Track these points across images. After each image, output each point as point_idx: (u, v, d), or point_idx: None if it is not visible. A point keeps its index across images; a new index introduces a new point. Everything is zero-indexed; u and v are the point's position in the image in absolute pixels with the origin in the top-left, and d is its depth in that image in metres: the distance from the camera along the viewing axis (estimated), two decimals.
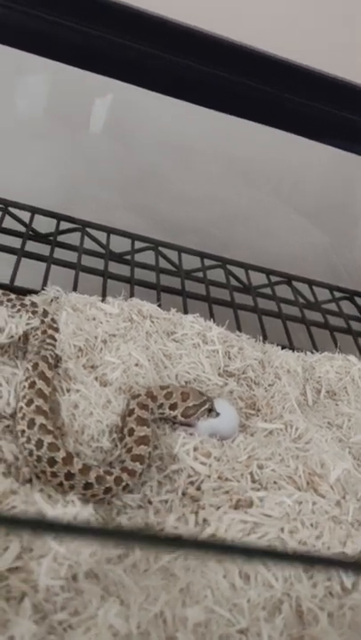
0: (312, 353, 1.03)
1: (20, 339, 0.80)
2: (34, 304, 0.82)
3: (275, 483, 0.70)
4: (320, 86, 0.80)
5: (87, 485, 0.64)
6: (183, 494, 0.70)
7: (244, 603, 0.59)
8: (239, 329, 1.07)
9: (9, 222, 1.20)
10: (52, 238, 1.22)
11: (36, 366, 0.71)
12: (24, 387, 0.70)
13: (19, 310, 0.81)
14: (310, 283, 1.39)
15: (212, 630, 0.56)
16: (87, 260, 1.17)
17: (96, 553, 0.57)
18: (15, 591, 0.54)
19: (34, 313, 0.81)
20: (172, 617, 0.57)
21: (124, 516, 0.66)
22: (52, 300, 0.89)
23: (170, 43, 0.74)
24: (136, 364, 0.79)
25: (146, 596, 0.58)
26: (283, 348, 1.00)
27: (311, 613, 0.60)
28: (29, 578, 0.55)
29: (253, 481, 0.70)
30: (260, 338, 1.00)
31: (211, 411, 0.77)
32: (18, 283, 1.00)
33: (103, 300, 0.91)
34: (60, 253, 1.17)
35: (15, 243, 1.14)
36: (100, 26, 0.68)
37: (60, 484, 0.64)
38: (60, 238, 1.22)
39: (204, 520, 0.66)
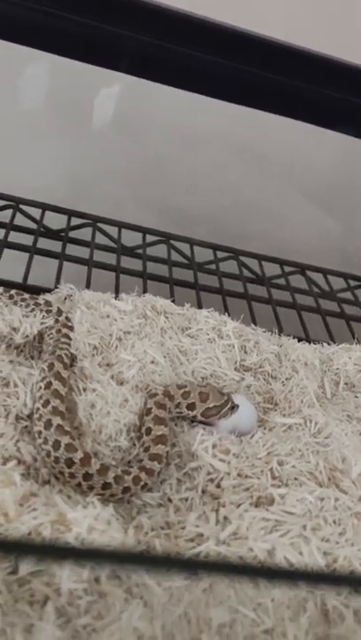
0: (329, 344, 1.02)
1: (34, 338, 0.79)
2: (48, 303, 0.82)
3: (295, 479, 0.69)
4: (330, 72, 0.79)
5: (105, 485, 0.64)
6: (203, 492, 0.69)
7: (269, 602, 0.58)
8: (254, 321, 1.06)
9: (20, 220, 1.19)
10: (63, 234, 1.21)
11: (51, 366, 0.71)
12: (40, 387, 0.69)
13: (33, 310, 0.81)
14: (325, 272, 1.38)
15: (236, 631, 0.55)
16: (99, 256, 1.17)
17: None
18: (38, 595, 0.54)
19: (48, 312, 0.81)
20: (196, 618, 0.56)
21: (145, 515, 0.65)
22: (65, 298, 0.88)
23: (172, 32, 0.72)
24: (152, 362, 0.78)
25: (169, 596, 0.58)
26: (299, 340, 0.98)
27: (336, 611, 0.59)
28: (52, 581, 0.54)
29: (274, 477, 0.69)
30: (276, 331, 0.98)
31: (233, 408, 0.76)
32: (31, 281, 1.00)
33: (117, 297, 0.90)
34: (71, 249, 1.16)
35: (27, 240, 1.14)
36: (99, 16, 0.67)
37: (79, 485, 0.64)
38: (72, 234, 1.22)
39: (225, 518, 0.65)
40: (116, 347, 0.80)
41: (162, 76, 0.76)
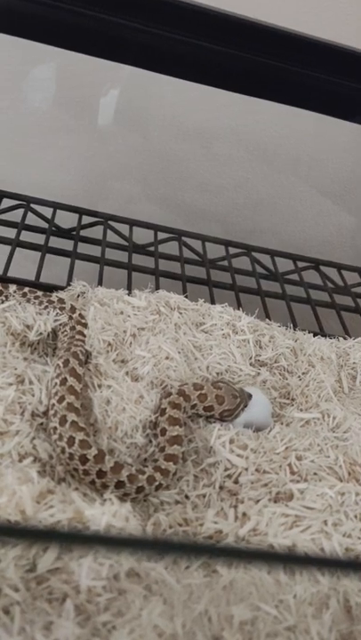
0: (345, 339, 1.01)
1: (48, 335, 0.79)
2: (61, 300, 0.81)
3: (315, 474, 0.68)
4: (344, 62, 0.77)
5: (119, 484, 0.63)
6: (221, 488, 0.68)
7: (291, 599, 0.57)
8: (268, 317, 1.05)
9: (31, 219, 1.19)
10: (74, 233, 1.21)
11: (66, 363, 0.70)
12: (55, 384, 0.69)
13: (46, 307, 0.80)
14: (338, 267, 1.36)
15: (258, 628, 0.54)
16: (111, 254, 1.16)
17: (137, 550, 0.56)
18: (57, 592, 0.53)
19: (61, 309, 0.80)
20: (217, 615, 0.55)
21: (162, 513, 0.64)
22: (78, 296, 0.88)
23: (186, 25, 0.72)
24: (167, 357, 0.77)
25: (189, 594, 0.57)
26: (314, 334, 0.97)
27: (360, 608, 0.58)
28: (70, 579, 0.54)
29: (292, 473, 0.68)
30: (291, 325, 0.97)
31: (246, 406, 0.76)
32: (43, 279, 1.00)
33: (129, 294, 0.89)
34: (83, 248, 1.16)
35: (39, 239, 1.14)
36: (106, 9, 0.66)
37: (93, 482, 0.63)
38: (83, 233, 1.21)
39: (244, 514, 0.64)
40: (131, 343, 0.79)
41: (166, 66, 0.75)
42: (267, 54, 0.75)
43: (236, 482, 0.68)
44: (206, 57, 0.74)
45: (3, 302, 0.79)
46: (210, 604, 0.56)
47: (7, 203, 1.20)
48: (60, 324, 0.79)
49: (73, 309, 0.80)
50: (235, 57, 0.74)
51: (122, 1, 0.68)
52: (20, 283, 0.92)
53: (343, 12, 1.11)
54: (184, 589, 0.57)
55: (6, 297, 0.79)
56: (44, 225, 1.20)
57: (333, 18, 1.09)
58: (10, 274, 0.99)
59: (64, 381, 0.68)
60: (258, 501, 0.65)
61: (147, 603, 0.54)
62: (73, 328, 0.78)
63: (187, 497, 0.67)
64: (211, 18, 0.72)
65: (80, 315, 0.80)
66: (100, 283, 1.00)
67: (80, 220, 1.23)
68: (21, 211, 1.20)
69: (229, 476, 0.69)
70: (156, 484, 0.65)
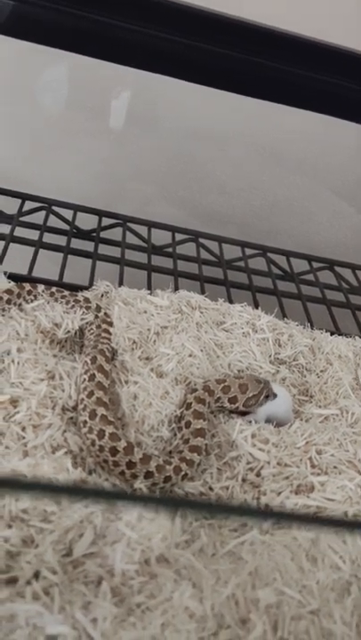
0: None
1: (75, 333, 0.82)
2: (87, 300, 0.84)
3: (335, 467, 0.70)
4: (354, 65, 0.80)
5: (148, 474, 0.66)
6: (243, 480, 0.71)
7: (314, 584, 0.60)
8: (285, 316, 1.07)
9: (53, 221, 1.22)
10: (95, 235, 1.24)
11: (94, 360, 0.73)
12: (84, 379, 0.72)
13: (73, 306, 0.83)
14: (353, 267, 1.38)
15: (284, 611, 0.57)
16: (130, 255, 1.19)
17: (166, 537, 0.59)
18: (92, 576, 0.56)
19: (87, 308, 0.83)
20: (243, 599, 0.58)
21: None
22: (102, 295, 0.91)
23: (201, 31, 0.75)
24: (190, 355, 0.80)
25: (216, 579, 0.60)
26: (331, 334, 1.00)
27: None
28: (105, 563, 0.57)
29: (313, 466, 0.70)
30: (308, 325, 1.00)
31: (269, 396, 0.78)
32: (66, 279, 1.02)
33: (151, 294, 0.92)
34: (103, 249, 1.19)
35: (60, 241, 1.17)
36: (113, 13, 0.69)
37: (122, 473, 0.66)
38: (103, 234, 1.24)
39: (267, 506, 0.67)
40: (155, 341, 0.82)
41: (171, 69, 0.77)
42: (273, 57, 0.77)
43: (258, 475, 0.71)
44: (211, 60, 0.76)
45: (32, 301, 0.82)
46: (237, 589, 0.59)
47: (29, 205, 1.23)
48: (87, 323, 0.82)
49: (98, 308, 0.83)
50: (240, 59, 0.76)
51: (123, 2, 0.70)
52: (45, 282, 0.95)
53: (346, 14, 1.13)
54: (211, 574, 0.60)
55: (35, 296, 0.82)
56: (66, 227, 1.23)
57: (339, 21, 1.12)
58: (34, 274, 1.02)
59: (92, 377, 0.71)
60: (280, 493, 0.68)
61: (177, 586, 0.57)
62: (99, 326, 0.80)
63: (211, 489, 0.70)
64: (214, 21, 0.74)
65: (105, 314, 0.83)
66: (120, 283, 1.03)
67: (100, 221, 1.26)
68: (43, 213, 1.23)
69: (251, 469, 0.71)
70: (182, 473, 0.68)
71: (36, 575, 0.55)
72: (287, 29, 0.76)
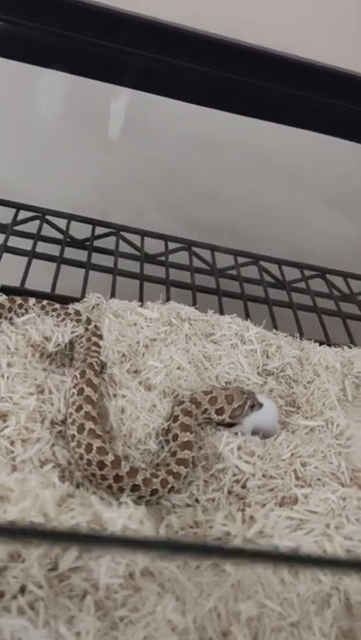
0: (349, 347, 1.04)
1: (66, 346, 0.83)
2: (77, 312, 0.86)
3: (318, 479, 0.72)
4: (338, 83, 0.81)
5: (135, 487, 0.67)
6: (229, 492, 0.72)
7: (294, 597, 0.61)
8: (275, 326, 1.08)
9: (47, 230, 1.24)
10: (88, 244, 1.25)
11: (83, 374, 0.74)
12: (73, 393, 0.73)
13: (63, 319, 0.85)
14: (345, 275, 1.39)
15: (264, 624, 0.58)
16: (123, 263, 1.20)
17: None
18: (77, 589, 0.57)
19: (78, 321, 0.85)
20: (225, 612, 0.59)
21: (174, 515, 0.68)
22: (93, 307, 0.92)
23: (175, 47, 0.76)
24: (178, 368, 0.81)
25: (199, 591, 0.61)
26: (320, 344, 1.01)
27: (360, 606, 0.62)
28: (90, 577, 0.58)
29: (297, 478, 0.72)
30: (297, 335, 1.01)
31: (254, 406, 0.79)
32: (58, 289, 1.04)
33: (142, 305, 0.93)
34: (97, 258, 1.20)
35: (54, 250, 1.18)
36: (96, 32, 0.70)
37: (110, 487, 0.67)
38: (97, 243, 1.26)
39: (251, 517, 0.68)
40: (144, 354, 0.83)
41: (169, 91, 0.79)
42: (264, 78, 0.78)
43: (243, 486, 0.72)
44: (200, 80, 0.78)
45: (23, 315, 0.83)
46: (219, 601, 0.60)
47: (23, 214, 1.24)
48: (77, 336, 0.83)
49: (89, 321, 0.85)
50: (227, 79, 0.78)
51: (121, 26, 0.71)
52: (37, 294, 0.97)
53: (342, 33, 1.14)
54: (195, 587, 0.61)
55: (26, 310, 0.84)
56: (60, 236, 1.24)
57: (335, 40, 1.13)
58: (27, 284, 1.03)
59: (81, 391, 0.72)
60: (264, 505, 0.69)
61: (160, 599, 0.58)
62: (89, 339, 0.82)
63: (197, 500, 0.71)
64: (210, 44, 0.75)
65: (95, 326, 0.84)
66: (113, 293, 1.04)
67: (93, 230, 1.27)
68: (37, 222, 1.24)
69: (237, 481, 0.73)
70: (169, 486, 0.69)
71: (22, 589, 0.56)
72: (281, 50, 0.77)
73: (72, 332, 0.83)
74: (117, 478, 0.67)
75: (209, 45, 0.76)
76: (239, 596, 0.61)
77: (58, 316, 0.85)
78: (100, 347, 0.81)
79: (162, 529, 0.64)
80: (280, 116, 0.83)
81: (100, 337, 0.83)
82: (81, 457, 0.68)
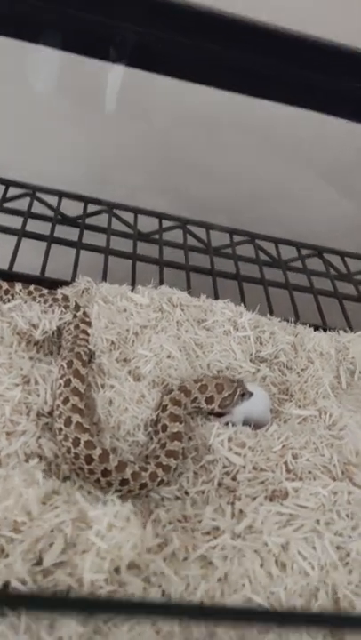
0: (346, 331, 1.02)
1: (53, 334, 0.81)
2: (65, 298, 0.83)
3: (309, 472, 0.71)
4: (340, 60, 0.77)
5: (123, 482, 0.66)
6: (219, 485, 0.71)
7: (281, 591, 0.61)
8: (270, 309, 1.06)
9: (37, 207, 1.20)
10: (80, 221, 1.22)
11: (70, 364, 0.73)
12: (60, 385, 0.71)
13: (51, 305, 0.82)
14: (342, 254, 1.37)
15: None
16: (116, 242, 1.17)
17: (137, 546, 0.60)
18: (62, 585, 0.57)
19: (66, 307, 0.82)
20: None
21: (162, 509, 0.68)
22: (82, 292, 0.90)
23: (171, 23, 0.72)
24: (168, 356, 0.80)
25: (186, 585, 0.61)
26: (316, 328, 0.99)
27: (347, 599, 0.62)
28: (74, 572, 0.57)
29: (288, 471, 0.71)
30: (292, 319, 0.99)
31: (244, 394, 0.78)
32: (49, 271, 1.01)
33: (133, 288, 0.91)
34: (88, 237, 1.17)
35: (44, 228, 1.15)
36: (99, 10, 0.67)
37: (98, 481, 0.66)
38: (89, 221, 1.23)
39: (241, 511, 0.67)
40: (133, 342, 0.81)
41: (163, 68, 0.75)
42: (263, 54, 0.74)
43: (233, 479, 0.71)
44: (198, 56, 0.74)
45: (9, 301, 0.81)
46: (205, 596, 0.60)
47: (13, 191, 1.21)
48: (65, 323, 0.81)
49: (77, 307, 0.83)
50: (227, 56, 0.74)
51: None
52: (26, 277, 0.95)
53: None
54: (181, 581, 0.61)
55: (12, 295, 0.82)
56: (50, 213, 1.21)
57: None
58: (16, 265, 1.01)
59: (68, 382, 0.71)
60: (254, 499, 0.68)
61: (146, 595, 0.57)
62: (77, 327, 0.80)
63: (186, 493, 0.70)
64: (211, 18, 0.72)
65: (84, 313, 0.82)
66: (104, 275, 1.02)
67: (85, 208, 1.24)
68: (27, 199, 1.21)
69: (227, 474, 0.72)
70: (159, 479, 0.68)
71: (6, 585, 0.56)
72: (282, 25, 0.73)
73: (60, 319, 0.81)
74: (106, 472, 0.66)
75: (205, 20, 0.72)
76: (226, 589, 0.61)
77: (45, 301, 0.83)
78: (88, 334, 0.79)
79: (149, 525, 0.63)
80: (280, 94, 0.79)
81: (89, 324, 0.81)
82: (68, 450, 0.67)
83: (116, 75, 1.18)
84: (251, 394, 0.79)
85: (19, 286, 0.82)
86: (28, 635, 0.51)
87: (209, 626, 0.55)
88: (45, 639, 0.50)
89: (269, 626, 0.57)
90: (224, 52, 0.75)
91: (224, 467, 0.72)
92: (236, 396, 0.77)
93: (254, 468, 0.71)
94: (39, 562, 0.58)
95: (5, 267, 0.98)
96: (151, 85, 1.19)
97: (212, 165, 1.34)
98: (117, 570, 0.59)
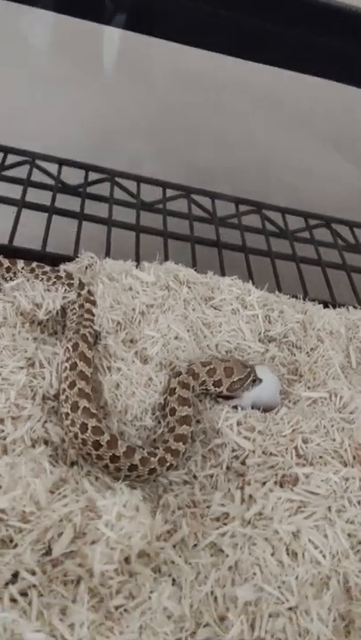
0: (355, 307, 1.00)
1: (57, 313, 0.79)
2: (69, 275, 0.80)
3: (320, 457, 0.69)
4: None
5: (132, 467, 0.65)
6: (228, 469, 0.70)
7: (293, 580, 0.60)
8: (278, 283, 1.04)
9: (37, 176, 1.16)
10: (81, 190, 1.18)
11: (76, 346, 0.70)
12: (65, 368, 0.69)
13: (54, 283, 0.80)
14: (351, 224, 1.33)
15: (262, 609, 0.58)
16: (118, 212, 1.14)
17: (146, 535, 0.59)
18: (71, 575, 0.56)
19: (70, 285, 0.80)
20: (222, 596, 0.58)
21: (171, 494, 0.67)
22: (86, 268, 0.87)
23: None
24: (176, 337, 0.77)
25: (196, 574, 0.60)
26: (325, 304, 0.96)
27: (358, 588, 0.61)
28: (84, 562, 0.57)
29: (298, 456, 0.70)
30: (301, 296, 0.96)
31: (255, 380, 0.76)
32: (50, 244, 0.98)
33: (138, 265, 0.88)
34: (90, 207, 1.13)
35: (45, 199, 1.11)
36: None
37: (106, 467, 0.65)
38: (90, 190, 1.18)
39: (250, 496, 0.67)
40: (140, 322, 0.79)
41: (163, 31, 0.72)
42: (266, 18, 0.70)
43: (243, 463, 0.70)
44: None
45: (11, 279, 0.78)
46: (216, 585, 0.59)
47: (12, 159, 1.16)
48: (69, 302, 0.78)
49: (81, 285, 0.80)
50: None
51: None
52: (27, 253, 0.91)
53: None
54: (192, 569, 0.60)
55: (14, 273, 0.79)
56: (50, 182, 1.17)
57: None
58: (17, 237, 0.97)
59: (74, 366, 0.69)
60: (264, 484, 0.67)
61: (156, 585, 0.57)
62: (82, 306, 0.77)
63: (195, 477, 0.69)
64: None
65: (89, 291, 0.79)
66: (107, 250, 0.98)
67: (87, 176, 1.20)
68: (26, 167, 1.17)
69: (236, 457, 0.71)
70: (168, 464, 0.67)
71: (15, 575, 0.55)
72: None
73: (64, 298, 0.79)
74: (114, 458, 0.64)
75: None
76: (236, 578, 0.60)
77: (48, 279, 0.80)
78: (93, 315, 0.77)
79: (158, 511, 0.62)
80: (288, 60, 0.75)
81: (94, 303, 0.78)
82: (75, 436, 0.65)
83: (117, 39, 1.12)
84: (260, 380, 0.77)
85: (21, 264, 0.79)
86: (41, 621, 0.50)
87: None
88: (58, 626, 0.50)
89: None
90: (229, 16, 0.70)
91: (233, 450, 0.71)
92: (248, 381, 0.75)
93: (264, 452, 0.70)
94: (48, 552, 0.57)
95: (5, 240, 0.94)
96: (156, 45, 1.13)
97: (218, 131, 1.29)
98: (127, 559, 0.58)
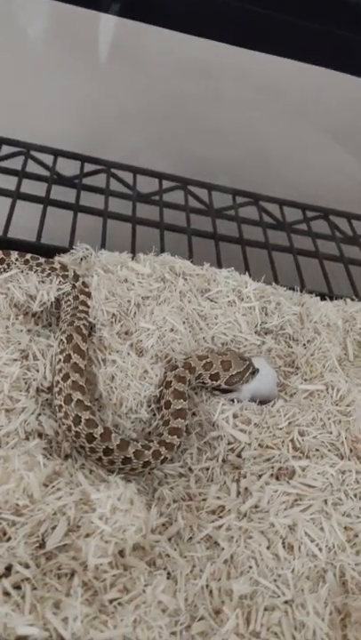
0: (352, 299, 0.99)
1: (52, 305, 0.78)
2: (64, 267, 0.80)
3: (317, 450, 0.69)
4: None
5: (126, 460, 0.64)
6: (224, 461, 0.70)
7: (289, 573, 0.60)
8: (275, 275, 1.03)
9: (32, 167, 1.15)
10: (77, 181, 1.16)
11: (70, 338, 0.70)
12: (59, 360, 0.69)
13: (49, 275, 0.79)
14: (348, 216, 1.32)
15: (257, 602, 0.57)
16: (114, 204, 1.12)
17: (141, 529, 0.58)
18: (65, 568, 0.56)
19: (64, 277, 0.79)
20: (217, 589, 0.58)
21: (166, 486, 0.66)
22: (81, 260, 0.86)
23: None
24: (171, 330, 0.77)
25: (192, 567, 0.60)
26: (322, 297, 0.96)
27: (354, 581, 0.61)
28: (78, 555, 0.56)
29: (295, 449, 0.69)
30: (298, 288, 0.96)
31: (254, 372, 0.76)
32: (45, 236, 0.97)
33: (134, 257, 0.87)
34: (86, 199, 1.12)
35: (40, 190, 1.10)
36: None
37: (100, 459, 0.64)
38: (86, 181, 1.17)
39: (246, 489, 0.66)
40: (135, 314, 0.78)
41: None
42: (265, 5, 0.69)
43: (238, 456, 0.70)
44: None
45: (5, 271, 0.77)
46: (211, 578, 0.59)
47: (6, 150, 1.15)
48: (64, 294, 0.78)
49: (76, 277, 0.79)
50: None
51: None
52: (21, 244, 0.90)
53: None
54: (187, 563, 0.60)
55: (8, 265, 0.78)
56: (45, 173, 1.15)
57: None
58: (11, 229, 0.96)
59: (68, 358, 0.68)
60: (260, 476, 0.67)
61: (151, 578, 0.56)
62: (76, 298, 0.76)
63: (190, 470, 0.69)
64: None
65: (83, 283, 0.79)
66: (103, 241, 0.97)
67: (82, 167, 1.18)
68: (21, 158, 1.15)
69: (232, 450, 0.70)
70: (162, 457, 0.66)
71: (9, 569, 0.54)
72: None
73: (58, 290, 0.78)
74: (107, 451, 0.64)
75: None
76: (232, 572, 0.60)
77: (43, 271, 0.79)
78: (88, 306, 0.76)
79: (153, 504, 0.62)
80: (286, 48, 0.74)
81: (89, 295, 0.77)
82: (69, 428, 0.65)
83: (113, 27, 1.11)
84: (257, 371, 0.76)
85: (14, 255, 0.78)
86: (34, 615, 0.50)
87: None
88: (51, 619, 0.49)
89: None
90: (227, 3, 0.69)
91: (229, 443, 0.71)
92: (247, 374, 0.75)
93: (260, 445, 0.70)
94: (42, 545, 0.56)
95: (0, 232, 0.93)
96: (152, 32, 1.11)
97: (215, 123, 1.28)
98: (122, 553, 0.58)
